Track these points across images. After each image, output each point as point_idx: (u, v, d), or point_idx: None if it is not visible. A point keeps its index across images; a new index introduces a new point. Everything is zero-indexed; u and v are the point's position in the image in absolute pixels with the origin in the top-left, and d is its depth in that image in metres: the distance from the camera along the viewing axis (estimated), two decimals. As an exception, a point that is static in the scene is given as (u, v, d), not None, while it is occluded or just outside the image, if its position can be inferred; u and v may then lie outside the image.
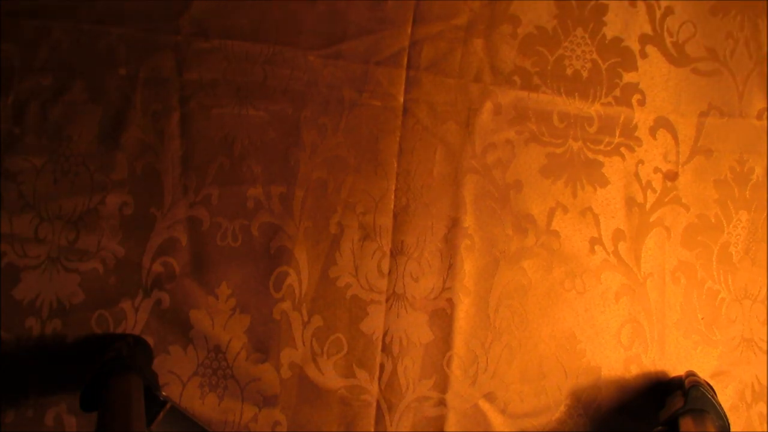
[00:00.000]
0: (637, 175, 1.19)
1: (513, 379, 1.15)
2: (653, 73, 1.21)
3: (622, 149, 1.19)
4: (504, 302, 1.16)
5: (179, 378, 1.11)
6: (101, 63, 1.13)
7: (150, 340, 1.10)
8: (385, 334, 1.14)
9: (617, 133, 1.19)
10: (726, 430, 1.02)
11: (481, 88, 1.18)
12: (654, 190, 1.19)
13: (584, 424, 1.15)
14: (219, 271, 1.13)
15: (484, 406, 1.14)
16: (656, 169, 1.19)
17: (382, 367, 1.14)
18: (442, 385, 1.14)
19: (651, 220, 1.18)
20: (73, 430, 1.08)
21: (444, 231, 1.16)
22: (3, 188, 1.09)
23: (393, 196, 1.16)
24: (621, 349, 1.16)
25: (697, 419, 1.00)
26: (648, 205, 1.19)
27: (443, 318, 1.15)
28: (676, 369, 1.16)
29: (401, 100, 1.17)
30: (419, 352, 1.14)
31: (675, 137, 1.20)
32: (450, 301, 1.15)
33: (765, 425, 1.17)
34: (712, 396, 1.04)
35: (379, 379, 1.13)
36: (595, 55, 1.20)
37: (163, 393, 1.02)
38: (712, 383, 1.14)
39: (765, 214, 1.20)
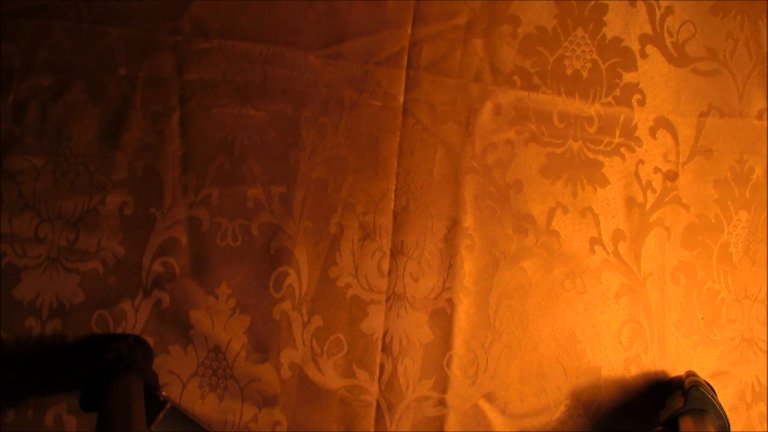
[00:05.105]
0: (637, 175, 1.19)
1: (513, 379, 1.15)
2: (653, 73, 1.21)
3: (622, 149, 1.19)
4: (504, 302, 1.16)
5: (179, 378, 1.11)
6: (101, 63, 1.13)
7: (150, 340, 1.10)
8: (385, 334, 1.14)
9: (617, 133, 1.19)
10: (726, 430, 1.02)
11: (481, 88, 1.18)
12: (654, 190, 1.19)
13: (584, 424, 1.15)
14: (219, 271, 1.13)
15: (484, 406, 1.14)
16: (656, 169, 1.19)
17: (382, 367, 1.14)
18: (442, 385, 1.14)
19: (651, 220, 1.18)
20: (73, 430, 1.08)
21: (444, 231, 1.16)
22: (3, 188, 1.09)
23: (393, 196, 1.16)
24: (621, 349, 1.16)
25: (697, 419, 1.00)
26: (648, 205, 1.19)
27: (443, 318, 1.15)
28: (676, 369, 1.16)
29: (401, 100, 1.17)
30: (419, 352, 1.14)
31: (675, 137, 1.20)
32: (450, 301, 1.15)
33: (765, 425, 1.17)
34: (712, 396, 1.04)
35: (379, 379, 1.14)
36: (595, 55, 1.20)
37: (163, 393, 1.02)
38: (712, 383, 1.14)
39: (765, 214, 1.20)
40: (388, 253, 1.15)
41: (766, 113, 1.22)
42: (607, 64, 1.20)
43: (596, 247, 1.17)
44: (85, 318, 1.10)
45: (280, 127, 1.16)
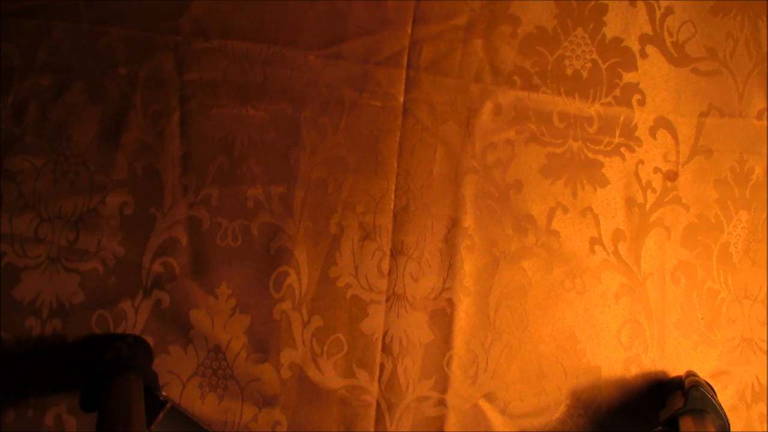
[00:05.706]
0: (637, 175, 1.19)
1: (513, 379, 1.15)
2: (653, 73, 1.21)
3: (622, 149, 1.19)
4: (504, 302, 1.16)
5: (179, 378, 1.11)
6: (101, 63, 1.13)
7: (150, 340, 1.10)
8: (385, 334, 1.14)
9: (617, 133, 1.19)
10: (726, 430, 1.02)
11: (481, 88, 1.18)
12: (654, 190, 1.19)
13: (584, 424, 1.15)
14: (219, 271, 1.13)
15: (484, 406, 1.14)
16: (656, 169, 1.20)
17: (382, 367, 1.14)
18: (442, 385, 1.14)
19: (651, 220, 1.18)
20: (73, 430, 1.08)
21: (444, 231, 1.16)
22: (3, 188, 1.09)
23: (393, 196, 1.16)
24: (621, 349, 1.16)
25: (697, 419, 1.00)
26: (648, 205, 1.19)
27: (443, 318, 1.15)
28: (676, 369, 1.16)
29: (401, 100, 1.17)
30: (419, 352, 1.14)
31: (675, 137, 1.20)
32: (450, 301, 1.15)
33: (765, 425, 1.17)
34: (712, 396, 1.04)
35: (379, 379, 1.14)
36: (595, 55, 1.20)
37: (163, 393, 1.02)
38: (712, 383, 1.14)
39: (765, 214, 1.20)
40: (388, 253, 1.15)
41: (766, 113, 1.22)
42: (607, 64, 1.20)
43: (596, 247, 1.17)
44: (85, 318, 1.10)
45: (280, 127, 1.16)
